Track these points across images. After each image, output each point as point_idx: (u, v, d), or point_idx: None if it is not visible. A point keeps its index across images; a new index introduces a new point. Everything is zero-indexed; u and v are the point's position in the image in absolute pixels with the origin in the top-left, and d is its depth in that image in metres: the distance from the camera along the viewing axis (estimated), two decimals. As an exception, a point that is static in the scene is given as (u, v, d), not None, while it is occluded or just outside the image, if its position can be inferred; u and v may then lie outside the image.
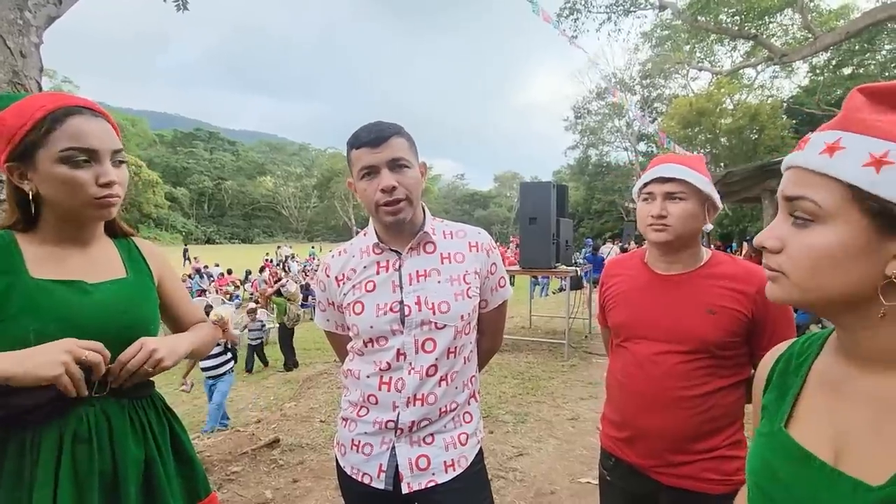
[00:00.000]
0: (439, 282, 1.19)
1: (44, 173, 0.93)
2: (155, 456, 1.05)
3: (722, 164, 22.61)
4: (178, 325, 1.25)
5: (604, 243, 15.12)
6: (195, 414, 5.38)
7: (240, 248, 49.47)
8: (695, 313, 1.18)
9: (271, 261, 21.30)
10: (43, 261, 0.97)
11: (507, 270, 6.59)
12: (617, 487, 1.33)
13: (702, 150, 23.21)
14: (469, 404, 1.26)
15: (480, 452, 1.28)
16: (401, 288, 1.18)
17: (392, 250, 1.22)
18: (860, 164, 0.48)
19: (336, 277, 1.26)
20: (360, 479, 1.21)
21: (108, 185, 0.96)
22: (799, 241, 0.53)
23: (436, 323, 1.17)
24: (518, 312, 9.88)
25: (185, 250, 28.05)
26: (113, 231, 1.14)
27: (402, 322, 1.16)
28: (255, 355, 8.32)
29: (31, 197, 0.96)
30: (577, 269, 7.08)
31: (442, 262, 1.22)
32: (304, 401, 4.64)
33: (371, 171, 1.13)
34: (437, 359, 1.17)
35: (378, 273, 1.21)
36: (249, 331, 8.29)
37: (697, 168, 1.21)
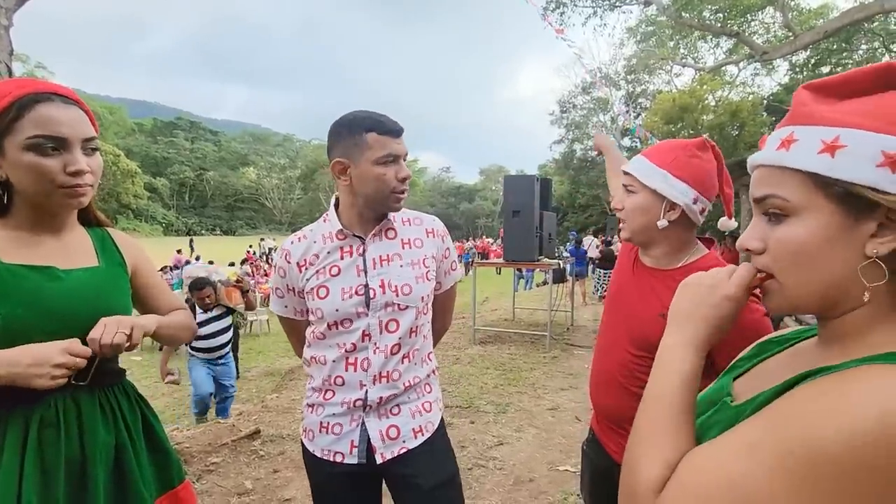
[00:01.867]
0: (401, 266, 1.27)
1: (12, 161, 0.91)
2: (126, 442, 1.05)
3: (703, 160, 22.91)
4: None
5: (586, 237, 15.26)
6: (176, 407, 5.32)
7: (221, 240, 48.80)
8: (650, 313, 1.13)
9: (254, 253, 21.05)
10: (15, 246, 0.96)
11: (492, 263, 6.69)
12: (588, 457, 1.38)
13: (684, 146, 23.46)
14: (429, 377, 1.35)
15: (442, 420, 1.38)
16: (365, 272, 1.24)
17: (355, 236, 1.27)
18: (815, 151, 0.50)
19: (298, 263, 1.28)
20: (331, 459, 1.25)
21: (77, 173, 0.94)
22: (776, 238, 0.53)
23: (399, 304, 1.24)
24: (501, 305, 9.96)
25: (191, 240, 28.25)
26: (87, 220, 1.12)
27: (367, 304, 1.22)
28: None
29: (0, 183, 0.95)
30: (560, 262, 7.15)
31: (403, 248, 1.30)
32: (286, 392, 4.63)
33: (394, 159, 1.21)
34: (400, 338, 1.24)
35: (342, 258, 1.25)
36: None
37: (660, 159, 1.14)
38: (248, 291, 4.65)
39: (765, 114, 23.68)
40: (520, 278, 13.51)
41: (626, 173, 1.20)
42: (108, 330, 0.96)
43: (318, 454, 1.27)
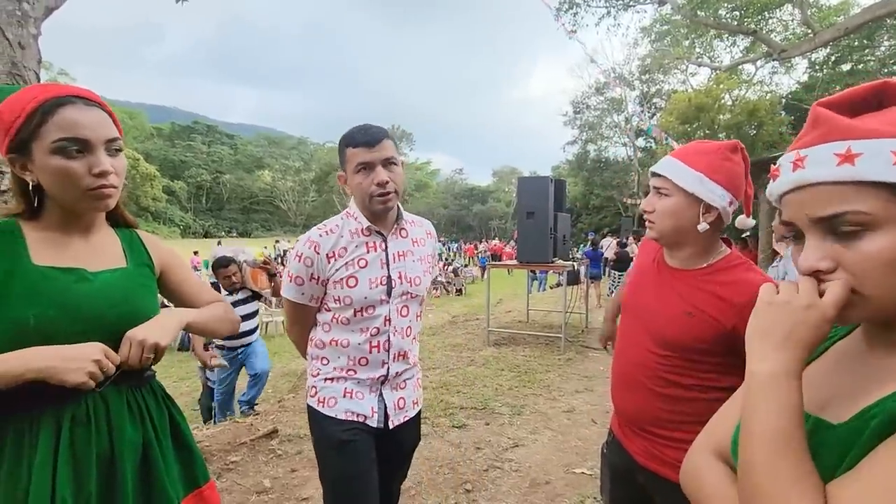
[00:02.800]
0: (414, 260, 1.51)
1: (40, 164, 0.94)
2: (152, 440, 1.07)
3: (720, 160, 22.56)
4: None
5: (603, 238, 15.16)
6: (195, 405, 5.41)
7: (237, 242, 49.39)
8: (673, 312, 1.15)
9: (269, 255, 21.24)
10: (45, 248, 0.98)
11: (506, 264, 6.64)
12: (608, 460, 1.38)
13: (700, 146, 23.15)
14: (416, 354, 1.60)
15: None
16: (387, 265, 1.45)
17: (378, 233, 1.46)
18: (889, 163, 0.50)
19: (327, 254, 1.42)
20: (355, 419, 1.44)
21: (102, 174, 0.96)
22: (856, 254, 0.52)
23: (411, 293, 1.48)
24: (515, 307, 9.93)
25: (219, 242, 29.02)
26: (116, 221, 1.15)
27: (389, 293, 1.44)
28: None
29: (31, 187, 0.98)
30: (574, 263, 7.11)
31: (413, 245, 1.53)
32: (301, 392, 4.67)
33: (367, 167, 1.37)
34: (410, 321, 1.50)
35: (368, 252, 1.44)
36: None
37: (693, 162, 1.14)
38: (275, 275, 4.22)
39: (783, 112, 23.26)
40: (533, 280, 13.46)
41: (656, 175, 1.19)
42: (133, 353, 0.99)
43: (342, 416, 1.43)
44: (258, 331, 4.45)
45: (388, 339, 1.45)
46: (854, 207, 0.52)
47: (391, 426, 1.48)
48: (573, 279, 7.61)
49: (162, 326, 1.06)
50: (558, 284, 14.77)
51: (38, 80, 2.53)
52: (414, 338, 1.53)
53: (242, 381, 4.44)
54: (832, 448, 0.53)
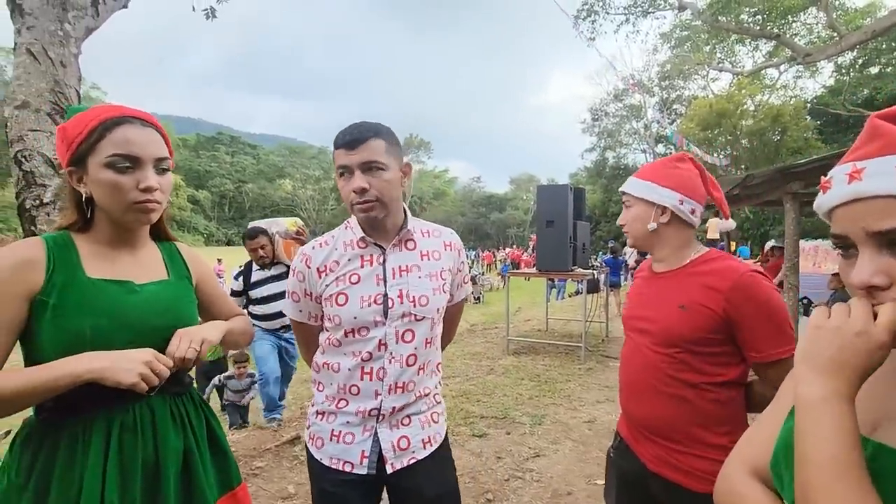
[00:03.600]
0: (420, 277, 1.28)
1: (93, 178, 1.00)
2: (193, 447, 1.11)
3: (743, 167, 22.22)
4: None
5: (624, 245, 15.00)
6: (219, 411, 5.51)
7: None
8: (669, 308, 1.23)
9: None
10: (97, 260, 1.04)
11: (523, 273, 6.48)
12: (615, 463, 1.39)
13: (721, 153, 22.82)
14: (437, 388, 1.38)
15: (447, 431, 1.41)
16: (385, 281, 1.25)
17: (376, 245, 1.27)
18: None
19: (318, 269, 1.27)
20: (340, 468, 1.24)
21: (148, 189, 1.02)
22: None
23: (415, 315, 1.25)
24: (534, 315, 9.88)
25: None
26: (157, 235, 1.21)
27: (385, 314, 1.23)
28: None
29: (84, 199, 1.04)
30: (594, 272, 7.06)
31: (422, 259, 1.31)
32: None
33: (345, 172, 1.20)
34: (415, 348, 1.26)
35: (362, 266, 1.26)
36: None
37: (646, 174, 1.32)
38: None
39: (808, 117, 22.76)
40: (552, 288, 13.37)
41: (623, 193, 1.37)
42: (182, 344, 1.04)
43: (326, 462, 1.26)
44: None
45: (383, 367, 1.23)
46: None
47: (390, 470, 1.23)
48: (593, 287, 7.56)
49: (210, 326, 1.15)
50: (577, 293, 14.64)
51: (79, 97, 2.66)
52: (422, 368, 1.28)
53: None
54: (894, 474, 0.51)
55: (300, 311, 1.35)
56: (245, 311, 3.63)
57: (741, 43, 19.46)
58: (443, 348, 1.50)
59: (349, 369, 1.24)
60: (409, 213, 1.34)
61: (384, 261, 1.26)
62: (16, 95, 2.40)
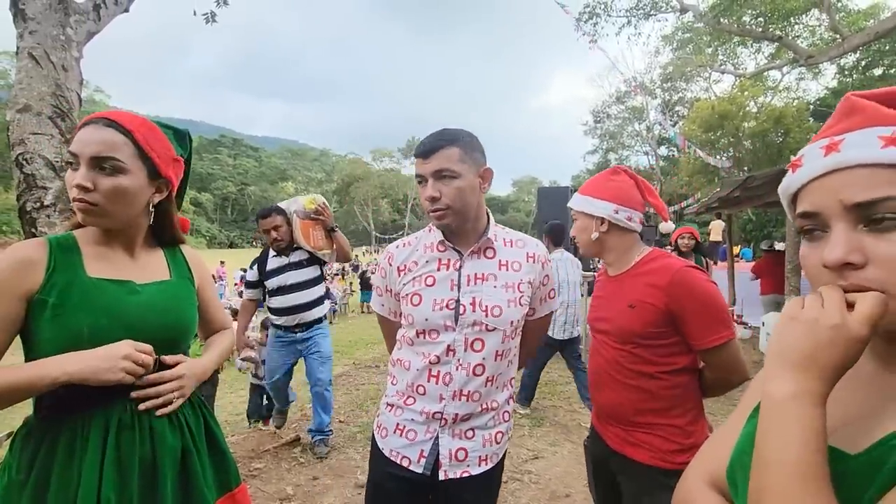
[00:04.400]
0: (495, 287, 1.27)
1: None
2: (190, 447, 1.12)
3: (745, 168, 22.17)
4: (207, 328, 1.34)
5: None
6: (218, 412, 5.52)
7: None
8: (621, 308, 1.35)
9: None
10: (98, 261, 1.05)
11: None
12: (589, 451, 1.55)
13: (724, 154, 22.81)
14: (508, 404, 1.35)
15: (505, 453, 1.39)
16: (458, 287, 1.26)
17: (455, 250, 1.30)
18: None
19: (398, 267, 1.34)
20: (398, 462, 1.28)
21: (78, 187, 0.97)
22: (892, 246, 0.47)
23: (486, 325, 1.24)
24: (536, 317, 9.85)
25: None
26: (164, 240, 1.21)
27: (456, 320, 1.24)
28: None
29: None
30: (595, 273, 7.05)
31: (500, 269, 1.29)
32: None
33: (421, 181, 1.25)
34: (484, 359, 1.25)
35: (439, 269, 1.29)
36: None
37: (586, 189, 1.47)
38: (334, 230, 3.17)
39: (811, 119, 22.71)
40: (554, 290, 13.32)
41: (569, 208, 1.54)
42: (167, 387, 1.07)
43: (387, 453, 1.30)
44: (324, 310, 3.30)
45: (450, 373, 1.24)
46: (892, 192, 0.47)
47: (442, 477, 1.24)
48: (593, 289, 7.53)
49: (198, 379, 1.16)
50: (581, 295, 14.61)
51: (80, 100, 2.68)
52: (490, 380, 1.26)
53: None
54: (850, 480, 0.48)
55: (382, 305, 1.43)
56: (264, 303, 3.30)
57: (743, 45, 19.44)
58: (522, 364, 1.48)
59: (418, 369, 1.27)
60: (492, 220, 1.35)
61: (460, 266, 1.28)
62: (17, 99, 2.42)
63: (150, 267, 1.14)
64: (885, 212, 0.47)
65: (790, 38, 14.47)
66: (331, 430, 3.34)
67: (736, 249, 14.16)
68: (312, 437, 3.31)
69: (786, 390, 0.49)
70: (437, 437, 1.26)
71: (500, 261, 1.31)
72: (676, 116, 31.11)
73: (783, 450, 0.48)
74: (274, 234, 3.09)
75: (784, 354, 0.51)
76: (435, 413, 1.25)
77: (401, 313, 1.35)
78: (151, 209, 1.13)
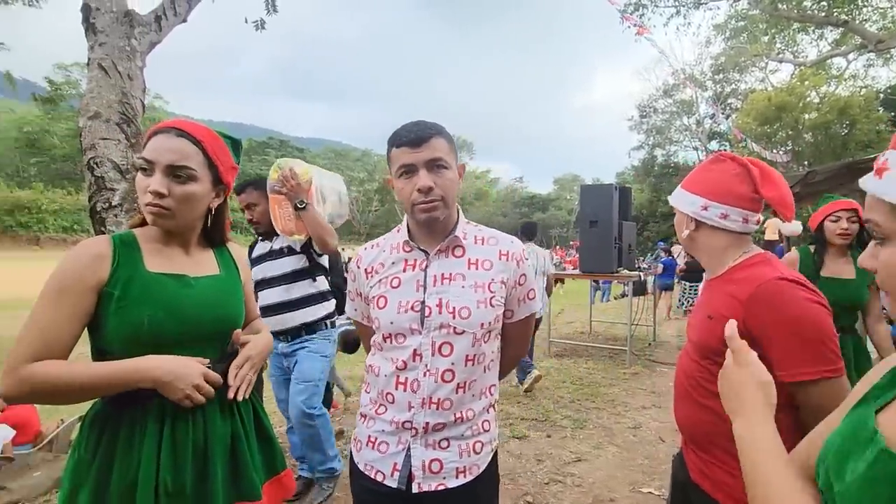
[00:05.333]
0: (463, 287, 1.19)
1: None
2: (240, 433, 1.18)
3: (805, 163, 20.87)
4: (244, 319, 1.41)
5: (671, 246, 14.44)
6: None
7: (306, 250, 51.88)
8: (702, 317, 1.21)
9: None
10: (156, 256, 1.12)
11: (565, 274, 6.27)
12: (673, 470, 1.38)
13: (781, 148, 21.51)
14: (487, 412, 1.25)
15: (494, 458, 1.28)
16: (424, 288, 1.19)
17: (421, 249, 1.23)
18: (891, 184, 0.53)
19: (366, 269, 1.29)
20: (372, 476, 1.21)
21: (154, 193, 1.06)
22: (881, 259, 0.57)
23: (454, 328, 1.16)
24: (577, 317, 9.68)
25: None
26: (213, 240, 1.28)
27: (422, 322, 1.17)
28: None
29: None
30: (641, 273, 6.84)
31: (469, 268, 1.21)
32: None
33: (409, 171, 1.16)
34: (453, 364, 1.16)
35: (404, 270, 1.23)
36: None
37: (683, 180, 1.31)
38: (302, 207, 2.34)
39: (881, 109, 21.09)
40: (596, 290, 13.05)
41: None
42: (242, 373, 1.17)
43: (361, 467, 1.24)
44: (317, 314, 2.55)
45: (417, 379, 1.16)
46: (873, 217, 0.57)
47: (416, 490, 1.16)
48: (640, 289, 7.32)
49: (263, 356, 1.27)
50: (623, 295, 14.21)
51: (143, 107, 2.85)
52: (461, 387, 1.17)
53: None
54: (890, 481, 0.46)
55: (355, 310, 1.38)
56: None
57: (804, 31, 18.27)
58: (508, 368, 1.40)
59: (386, 375, 1.20)
60: (462, 217, 1.28)
61: (426, 266, 1.21)
62: (88, 107, 2.61)
63: (202, 263, 1.21)
64: (872, 230, 0.58)
65: (857, 22, 13.48)
66: (333, 468, 2.64)
67: (794, 249, 13.31)
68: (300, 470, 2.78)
69: (741, 432, 0.71)
70: (408, 449, 1.17)
71: (469, 259, 1.22)
72: (729, 109, 29.67)
73: (762, 472, 0.64)
74: (248, 213, 2.52)
75: (729, 407, 0.76)
76: (405, 422, 1.17)
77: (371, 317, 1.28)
78: (211, 213, 1.22)
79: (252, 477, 1.18)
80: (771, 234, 11.45)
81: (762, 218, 1.26)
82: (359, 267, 1.31)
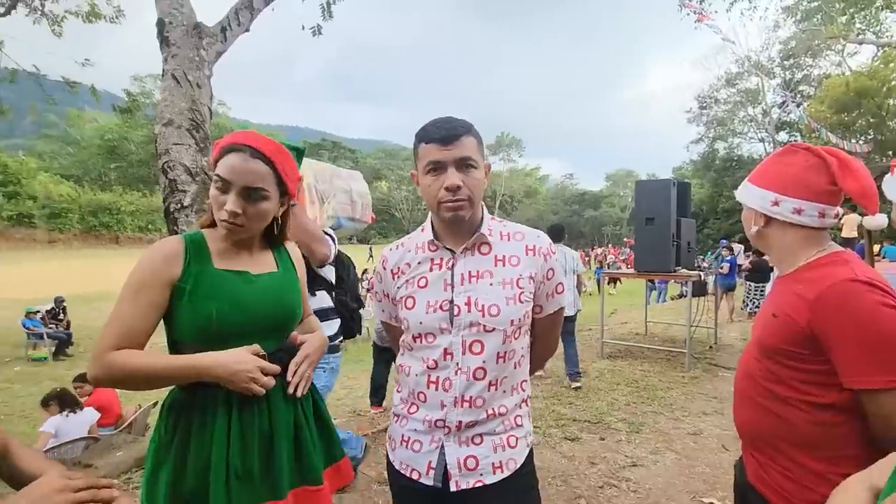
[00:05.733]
0: (491, 284, 1.18)
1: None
2: (301, 420, 1.25)
3: (889, 153, 19.07)
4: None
5: (737, 244, 13.64)
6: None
7: (357, 248, 53.31)
8: (767, 315, 1.16)
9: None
10: (222, 255, 1.20)
11: (620, 274, 6.27)
12: (736, 475, 1.33)
13: (861, 138, 19.76)
14: (520, 408, 1.24)
15: (531, 454, 1.26)
16: (452, 287, 1.19)
17: (447, 248, 1.22)
18: None
19: (392, 270, 1.28)
20: (408, 475, 1.22)
21: (229, 213, 1.14)
22: None
23: (484, 325, 1.16)
24: (631, 318, 9.36)
25: (370, 248, 35.79)
26: (273, 241, 1.35)
27: (451, 321, 1.17)
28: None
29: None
30: (702, 273, 6.51)
31: (496, 265, 1.20)
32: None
33: (437, 168, 1.14)
34: (484, 361, 1.16)
35: (431, 270, 1.22)
36: None
37: (751, 177, 1.24)
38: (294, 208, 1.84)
39: (982, 92, 18.92)
40: (651, 290, 12.55)
41: None
42: (300, 371, 1.22)
43: (397, 465, 1.26)
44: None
45: (448, 378, 1.17)
46: None
47: (454, 488, 1.16)
48: (699, 290, 6.97)
49: (320, 353, 1.32)
50: (681, 296, 13.59)
51: (211, 114, 3.03)
52: (493, 384, 1.17)
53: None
54: None
55: (382, 310, 1.39)
56: None
57: (889, 8, 16.69)
58: (539, 364, 1.40)
59: (417, 375, 1.21)
60: (486, 214, 1.26)
61: (453, 265, 1.20)
62: (163, 114, 2.80)
63: (263, 261, 1.28)
64: None
65: (953, -5, 12.13)
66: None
67: (876, 248, 12.25)
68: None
69: None
70: (442, 447, 1.18)
71: (496, 256, 1.21)
72: (800, 97, 27.61)
73: None
74: None
75: None
76: (437, 421, 1.18)
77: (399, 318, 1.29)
78: (277, 221, 1.29)
79: (315, 463, 1.24)
80: (849, 231, 10.55)
81: (840, 211, 1.17)
82: (385, 268, 1.31)
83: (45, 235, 38.86)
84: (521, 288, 1.19)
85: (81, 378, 4.88)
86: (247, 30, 3.42)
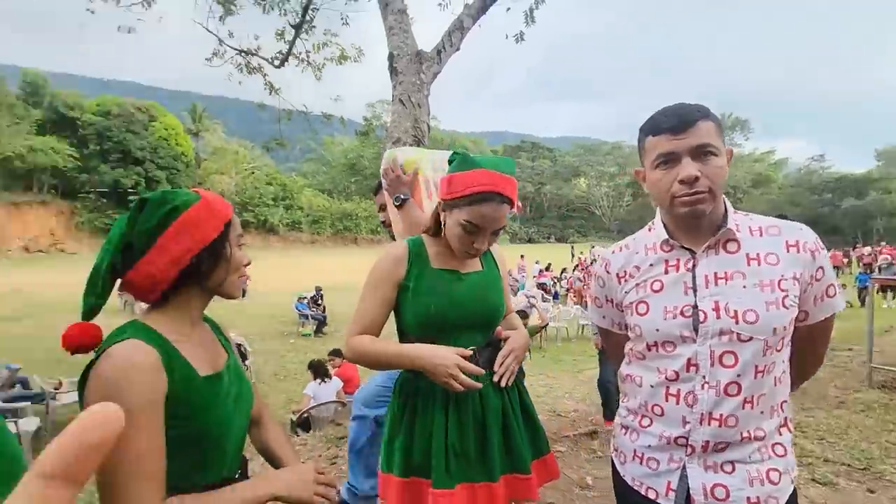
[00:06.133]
0: (745, 286, 1.03)
1: (452, 218, 1.29)
2: (508, 408, 1.35)
3: None
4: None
5: None
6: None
7: (556, 247, 52.93)
8: None
9: (585, 260, 21.96)
10: (438, 256, 1.37)
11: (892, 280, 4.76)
12: None
13: None
14: (780, 434, 1.07)
15: (794, 496, 1.06)
16: (694, 291, 1.06)
17: (684, 248, 1.10)
18: None
19: (617, 274, 1.20)
20: (643, 493, 1.13)
21: (477, 251, 1.29)
22: None
23: (739, 334, 1.01)
24: (922, 340, 7.07)
25: (572, 247, 37.89)
26: None
27: (696, 329, 1.04)
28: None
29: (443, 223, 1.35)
30: None
31: (748, 264, 1.05)
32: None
33: (669, 159, 1.04)
34: (739, 375, 1.02)
35: (667, 272, 1.11)
36: None
37: None
38: (400, 203, 1.88)
39: None
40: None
41: None
42: (506, 362, 1.30)
43: (629, 481, 1.17)
44: None
45: (693, 392, 1.05)
46: None
47: None
48: None
49: (524, 351, 1.39)
50: None
51: (429, 131, 3.43)
52: (749, 401, 1.02)
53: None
54: None
55: (603, 317, 1.32)
56: None
57: None
58: (799, 382, 1.21)
59: (651, 386, 1.12)
60: (730, 207, 1.12)
61: (693, 266, 1.08)
62: (392, 134, 3.29)
63: (471, 262, 1.40)
64: None
65: None
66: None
67: None
68: None
69: None
70: (683, 467, 1.06)
71: (747, 254, 1.05)
72: None
73: None
74: (381, 215, 2.16)
75: None
76: (678, 438, 1.06)
77: (626, 325, 1.19)
78: None
79: (523, 452, 1.32)
80: None
81: None
82: (608, 272, 1.24)
83: (308, 237, 52.16)
84: (783, 290, 1.03)
85: (335, 352, 6.13)
86: (458, 49, 3.75)
